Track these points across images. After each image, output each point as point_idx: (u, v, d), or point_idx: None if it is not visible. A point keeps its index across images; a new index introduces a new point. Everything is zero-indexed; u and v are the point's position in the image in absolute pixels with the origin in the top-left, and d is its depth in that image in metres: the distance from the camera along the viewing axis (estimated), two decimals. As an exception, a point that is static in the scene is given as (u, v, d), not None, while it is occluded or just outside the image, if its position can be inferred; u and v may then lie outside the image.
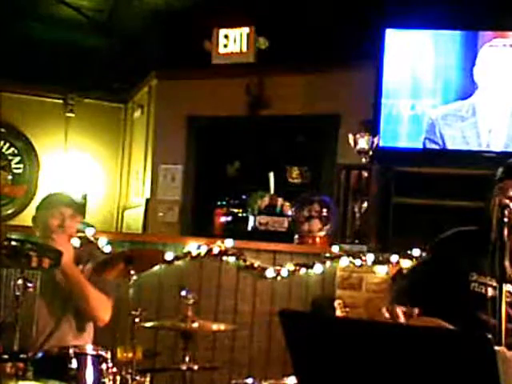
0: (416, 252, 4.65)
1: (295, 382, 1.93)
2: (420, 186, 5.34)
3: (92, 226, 6.68)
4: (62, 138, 7.97)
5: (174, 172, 7.08)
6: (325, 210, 5.45)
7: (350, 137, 5.36)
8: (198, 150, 7.17)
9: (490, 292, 2.67)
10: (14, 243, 3.19)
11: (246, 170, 7.08)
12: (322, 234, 5.40)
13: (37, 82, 7.53)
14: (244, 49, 6.56)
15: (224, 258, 5.08)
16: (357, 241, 5.18)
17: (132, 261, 3.52)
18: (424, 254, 3.06)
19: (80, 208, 3.90)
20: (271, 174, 6.05)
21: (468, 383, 1.55)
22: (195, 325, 3.53)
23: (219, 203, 6.57)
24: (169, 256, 5.01)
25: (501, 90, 5.41)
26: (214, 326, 3.82)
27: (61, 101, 7.97)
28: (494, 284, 2.64)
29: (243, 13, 6.48)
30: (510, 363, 1.87)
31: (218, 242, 5.09)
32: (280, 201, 5.77)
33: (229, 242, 5.08)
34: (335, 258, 4.99)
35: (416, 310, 2.56)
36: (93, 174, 8.02)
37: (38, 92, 7.84)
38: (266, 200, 5.80)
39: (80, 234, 5.08)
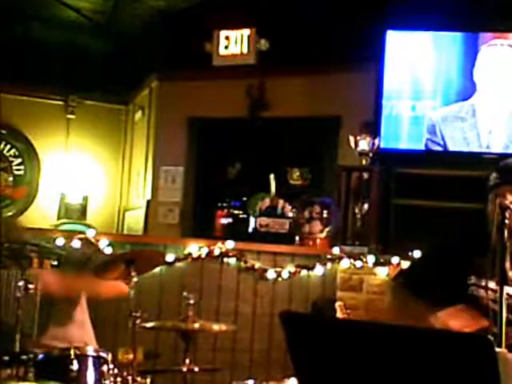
0: (417, 253, 4.65)
1: (296, 383, 1.93)
2: (421, 188, 5.34)
3: (93, 228, 6.69)
4: (63, 139, 7.97)
5: (174, 174, 7.08)
6: (325, 212, 5.45)
7: (351, 138, 5.37)
8: (199, 151, 7.17)
9: (489, 295, 2.67)
10: (14, 245, 3.19)
11: (247, 172, 7.08)
12: (323, 235, 5.40)
13: (38, 83, 7.54)
14: (245, 50, 6.56)
15: (225, 259, 5.08)
16: (357, 242, 5.18)
17: (133, 262, 3.52)
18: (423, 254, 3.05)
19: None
20: (272, 176, 6.05)
21: (469, 385, 1.55)
22: (196, 325, 3.53)
23: (220, 205, 6.57)
24: (170, 257, 5.01)
25: (500, 91, 5.41)
26: (215, 327, 3.83)
27: (62, 102, 7.98)
28: (493, 286, 2.64)
29: (244, 14, 6.49)
30: (510, 365, 1.87)
31: (219, 244, 5.10)
32: (281, 202, 5.76)
33: (229, 244, 5.09)
34: (336, 259, 4.99)
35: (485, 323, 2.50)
36: (94, 175, 8.03)
37: (39, 93, 7.84)
38: (267, 201, 5.80)
39: (81, 236, 5.10)
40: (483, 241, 2.74)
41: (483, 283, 2.69)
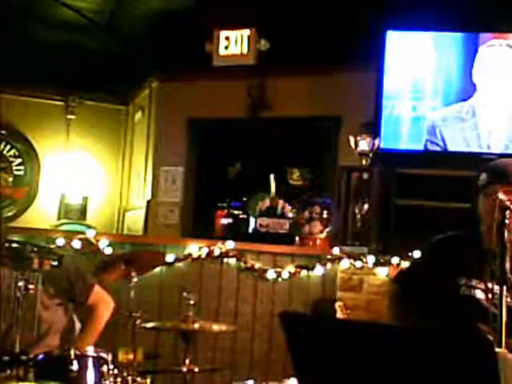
0: (417, 253, 4.65)
1: (296, 383, 1.93)
2: (421, 188, 5.34)
3: (93, 228, 6.69)
4: (63, 139, 7.97)
5: (174, 174, 7.08)
6: (325, 212, 5.45)
7: (351, 139, 5.37)
8: (199, 151, 7.18)
9: (478, 295, 2.68)
10: (14, 245, 3.19)
11: (247, 172, 7.08)
12: (323, 235, 5.40)
13: (38, 83, 7.54)
14: (245, 51, 6.55)
15: (225, 259, 5.08)
16: (357, 243, 5.18)
17: (133, 262, 3.52)
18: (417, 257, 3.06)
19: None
20: (272, 176, 6.05)
21: (468, 385, 1.55)
22: (196, 325, 3.53)
23: (220, 205, 6.56)
24: (170, 258, 5.01)
25: (500, 91, 5.41)
26: (215, 327, 3.83)
27: (62, 103, 7.98)
28: (483, 287, 2.66)
29: (244, 14, 6.48)
30: (510, 365, 1.87)
31: (219, 244, 5.10)
32: (281, 203, 5.76)
33: (229, 244, 5.09)
34: (336, 259, 4.99)
35: None
36: (94, 175, 8.03)
37: (39, 94, 7.84)
38: (267, 202, 5.80)
39: (81, 236, 5.10)
40: (474, 241, 2.75)
41: (471, 284, 2.69)
